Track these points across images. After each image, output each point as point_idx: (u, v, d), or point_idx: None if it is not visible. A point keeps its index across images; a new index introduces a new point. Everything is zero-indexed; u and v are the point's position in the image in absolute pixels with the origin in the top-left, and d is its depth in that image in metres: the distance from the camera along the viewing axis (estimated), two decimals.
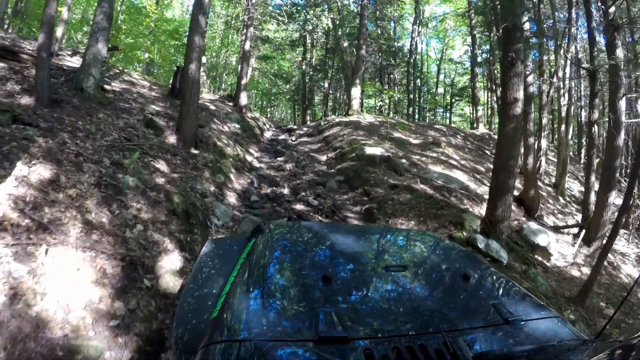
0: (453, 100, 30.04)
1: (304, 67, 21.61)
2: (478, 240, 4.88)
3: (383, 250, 1.84)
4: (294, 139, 12.72)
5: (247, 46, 12.83)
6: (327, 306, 1.15)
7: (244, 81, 12.51)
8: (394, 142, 10.36)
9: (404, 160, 7.83)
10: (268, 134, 13.31)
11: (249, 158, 8.65)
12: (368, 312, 1.21)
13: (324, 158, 9.47)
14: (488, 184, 9.37)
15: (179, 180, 4.72)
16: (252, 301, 1.22)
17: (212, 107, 10.82)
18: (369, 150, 8.15)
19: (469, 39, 28.51)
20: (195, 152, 6.12)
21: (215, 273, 1.62)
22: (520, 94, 5.25)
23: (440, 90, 30.55)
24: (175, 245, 3.78)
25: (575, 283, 6.11)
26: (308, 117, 21.48)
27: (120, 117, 5.69)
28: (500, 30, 5.94)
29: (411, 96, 19.51)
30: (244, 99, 12.48)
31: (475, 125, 18.20)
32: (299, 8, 19.73)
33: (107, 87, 6.83)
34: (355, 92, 13.81)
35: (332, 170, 8.30)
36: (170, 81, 10.36)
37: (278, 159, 9.13)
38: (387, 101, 15.96)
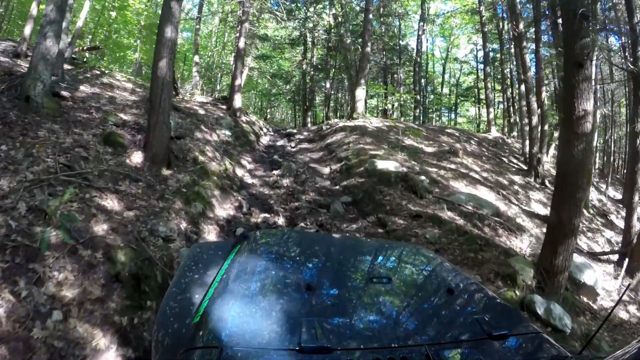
0: (458, 100, 28.72)
1: (304, 66, 20.24)
2: (536, 303, 3.59)
3: (368, 262, 1.78)
4: (293, 145, 11.40)
5: (241, 43, 11.49)
6: (310, 316, 1.14)
7: (238, 82, 11.18)
8: (406, 151, 9.05)
9: (423, 178, 6.51)
10: (265, 140, 12.00)
11: (239, 172, 7.34)
12: (351, 323, 1.19)
13: (326, 170, 8.15)
14: (516, 202, 8.10)
15: (132, 223, 3.41)
16: (234, 308, 1.20)
17: (201, 112, 9.51)
18: (382, 164, 6.83)
19: (474, 38, 27.31)
20: (167, 172, 4.82)
21: (198, 278, 1.56)
22: (591, 105, 3.92)
23: (445, 90, 29.20)
24: (113, 337, 2.49)
25: (626, 330, 4.85)
26: (309, 119, 20.15)
27: (70, 133, 4.38)
28: (560, 20, 4.60)
29: (418, 97, 18.13)
30: (238, 101, 11.16)
31: (487, 128, 16.85)
32: (298, 4, 18.39)
33: (65, 93, 5.52)
34: (360, 93, 12.47)
35: (337, 187, 6.99)
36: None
37: (274, 172, 7.81)
38: (395, 104, 14.57)
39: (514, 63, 19.28)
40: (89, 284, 2.63)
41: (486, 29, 18.01)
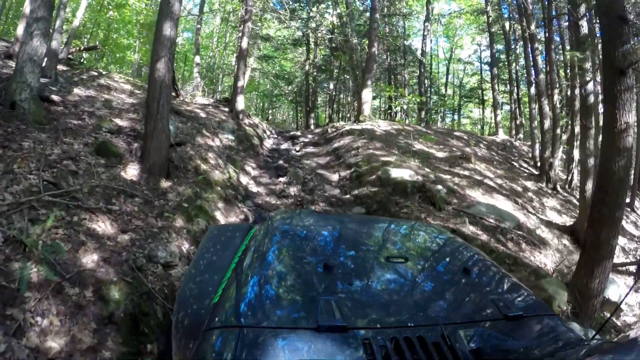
0: (462, 102, 28.24)
1: (307, 67, 19.79)
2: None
3: (385, 241, 1.76)
4: (297, 148, 10.96)
5: (244, 43, 11.04)
6: (327, 295, 1.13)
7: (240, 83, 10.74)
8: (418, 156, 8.62)
9: (439, 187, 6.08)
10: (268, 143, 11.56)
11: (244, 180, 6.91)
12: (368, 302, 1.19)
13: (335, 177, 7.72)
14: (533, 211, 7.67)
15: (127, 248, 2.97)
16: (252, 288, 1.18)
17: (203, 115, 9.07)
18: (396, 173, 6.40)
19: (478, 38, 26.89)
20: (166, 185, 4.38)
21: (217, 259, 1.56)
22: (633, 117, 3.51)
23: (449, 91, 28.73)
24: None
25: None
26: (312, 121, 19.69)
27: (59, 143, 3.94)
28: (598, 22, 4.19)
29: (424, 98, 17.69)
30: (240, 103, 10.71)
31: (494, 130, 16.42)
32: (302, 4, 17.90)
33: (55, 97, 5.08)
34: (367, 95, 12.03)
35: (348, 196, 6.56)
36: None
37: (280, 179, 7.39)
38: (405, 107, 14.07)
39: (521, 64, 18.93)
40: (78, 329, 2.20)
41: (493, 29, 17.55)
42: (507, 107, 25.55)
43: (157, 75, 4.46)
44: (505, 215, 5.66)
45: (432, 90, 25.37)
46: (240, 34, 11.64)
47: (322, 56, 20.39)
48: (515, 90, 18.28)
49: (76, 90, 6.32)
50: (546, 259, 5.39)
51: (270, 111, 28.68)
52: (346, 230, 1.84)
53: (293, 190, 6.70)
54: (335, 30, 18.38)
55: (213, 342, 0.97)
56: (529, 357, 0.99)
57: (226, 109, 10.95)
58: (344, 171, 7.74)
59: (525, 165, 12.76)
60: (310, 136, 12.71)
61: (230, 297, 1.16)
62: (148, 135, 4.39)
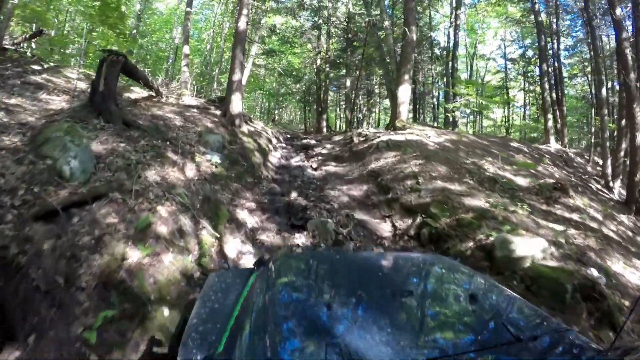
0: (483, 102, 24.68)
1: (318, 62, 16.41)
2: None
3: (388, 276, 1.64)
4: (314, 165, 7.66)
5: (241, 24, 7.71)
6: (334, 338, 1.08)
7: (237, 77, 7.42)
8: (498, 186, 5.34)
9: (595, 273, 2.79)
10: (275, 157, 8.26)
11: (232, 247, 3.62)
12: (377, 340, 1.09)
13: (387, 229, 4.41)
14: None
15: None
16: (256, 337, 1.10)
17: (178, 122, 5.78)
18: (523, 247, 3.11)
19: (501, 32, 23.35)
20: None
21: (218, 307, 1.47)
22: None
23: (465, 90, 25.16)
24: None
25: None
26: (324, 123, 16.34)
27: None
28: None
29: (457, 98, 14.23)
30: (236, 104, 7.41)
31: (545, 138, 12.97)
32: None
33: None
34: (404, 93, 8.66)
35: None
36: (91, 81, 5.36)
37: (296, 234, 4.10)
38: (457, 111, 10.66)
39: (557, 62, 15.45)
40: None
41: (540, 19, 14.02)
42: (528, 108, 22.12)
43: None
44: None
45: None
46: (237, 12, 8.28)
47: (335, 50, 16.99)
48: (556, 90, 14.69)
49: None
50: None
51: (276, 111, 25.31)
52: (349, 268, 1.66)
53: None
54: (353, 17, 15.06)
55: None
56: None
57: (218, 112, 7.65)
58: (401, 218, 4.43)
59: (596, 185, 9.38)
60: (329, 146, 9.38)
61: (234, 347, 1.08)
62: None
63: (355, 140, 8.39)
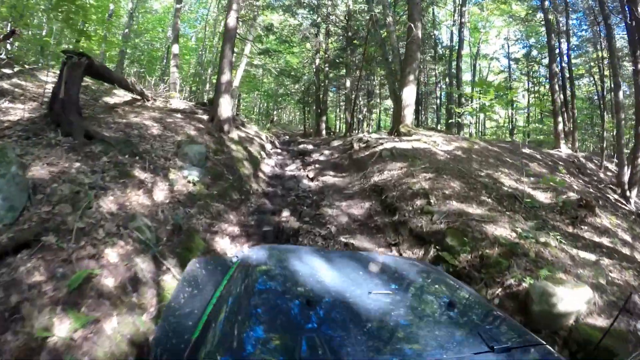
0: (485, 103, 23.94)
1: (317, 61, 15.66)
2: None
3: (370, 276, 1.60)
4: (311, 174, 6.95)
5: (231, 20, 6.98)
6: (310, 331, 1.06)
7: (226, 77, 6.68)
8: (519, 205, 4.63)
9: None
10: (269, 166, 7.54)
11: None
12: (352, 338, 1.07)
13: None
14: None
15: None
16: (234, 324, 1.08)
17: (155, 130, 5.06)
18: (567, 301, 2.42)
19: (505, 31, 22.59)
20: None
21: (197, 293, 1.46)
22: None
23: (467, 90, 24.38)
24: None
25: None
26: (323, 125, 15.61)
27: None
28: None
29: (463, 100, 13.49)
30: (225, 107, 6.68)
31: (555, 143, 12.23)
32: None
33: None
34: (409, 95, 7.93)
35: None
36: (52, 87, 4.65)
37: None
38: (466, 114, 9.85)
39: (566, 61, 14.70)
40: None
41: (550, 17, 13.25)
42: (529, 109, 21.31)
43: None
44: None
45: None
46: (227, 7, 7.53)
47: (334, 49, 16.23)
48: (564, 91, 13.91)
49: None
50: None
51: (275, 112, 24.56)
52: (329, 265, 1.60)
53: None
54: (352, 15, 14.32)
55: None
56: None
57: (205, 117, 6.93)
58: (410, 248, 3.72)
59: (614, 195, 8.66)
60: (327, 152, 8.66)
61: (211, 333, 1.06)
62: None
63: (356, 146, 7.67)
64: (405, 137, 7.02)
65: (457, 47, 14.44)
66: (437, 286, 1.59)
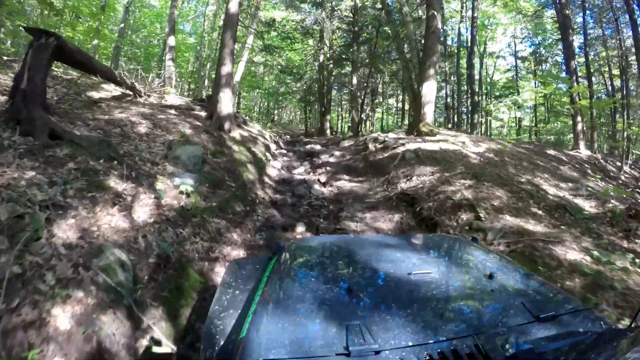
0: (492, 102, 23.16)
1: (321, 58, 14.80)
2: None
3: (406, 257, 1.53)
4: (322, 179, 6.11)
5: (232, 5, 6.12)
6: (354, 319, 1.04)
7: (226, 70, 5.83)
8: (566, 214, 3.84)
9: None
10: (275, 169, 6.70)
11: None
12: (396, 321, 1.05)
13: None
14: None
15: None
16: (279, 319, 1.06)
17: (143, 129, 4.20)
18: None
19: (511, 29, 21.85)
20: None
21: (239, 293, 1.44)
22: None
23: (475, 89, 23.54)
24: None
25: None
26: (327, 124, 14.77)
27: None
28: None
29: (477, 98, 12.69)
30: (225, 103, 5.83)
31: (574, 144, 11.44)
32: None
33: None
34: (429, 90, 7.11)
35: None
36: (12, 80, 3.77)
37: None
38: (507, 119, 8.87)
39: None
40: None
41: (567, 12, 12.44)
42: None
43: None
44: None
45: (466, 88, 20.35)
46: None
47: (339, 45, 15.37)
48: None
49: None
50: None
51: (275, 111, 23.69)
52: (366, 251, 1.58)
53: None
54: (358, 12, 13.46)
55: None
56: (568, 357, 0.88)
57: (203, 114, 6.08)
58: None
59: None
60: (337, 153, 7.83)
61: (257, 330, 1.02)
62: None
63: (371, 147, 6.83)
64: (428, 138, 6.20)
65: (466, 44, 13.62)
66: (474, 259, 1.53)
